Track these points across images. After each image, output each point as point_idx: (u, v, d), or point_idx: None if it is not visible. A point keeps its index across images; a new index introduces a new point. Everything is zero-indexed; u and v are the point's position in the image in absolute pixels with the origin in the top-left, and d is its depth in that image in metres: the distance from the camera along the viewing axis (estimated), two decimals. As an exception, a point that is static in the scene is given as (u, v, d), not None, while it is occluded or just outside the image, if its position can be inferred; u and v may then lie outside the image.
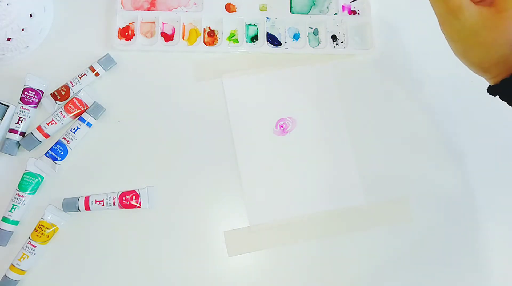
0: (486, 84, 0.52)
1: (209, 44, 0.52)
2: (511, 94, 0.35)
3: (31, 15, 0.48)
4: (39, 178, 0.47)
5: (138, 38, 0.51)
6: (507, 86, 0.35)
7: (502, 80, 0.35)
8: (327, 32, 0.52)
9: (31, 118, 0.48)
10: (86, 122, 0.48)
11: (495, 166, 0.50)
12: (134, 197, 0.46)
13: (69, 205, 0.46)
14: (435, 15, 0.36)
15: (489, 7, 0.34)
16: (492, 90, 0.36)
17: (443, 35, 0.36)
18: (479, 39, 0.34)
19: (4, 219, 0.46)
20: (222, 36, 0.52)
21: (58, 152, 0.47)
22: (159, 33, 0.51)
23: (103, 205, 0.46)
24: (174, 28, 0.52)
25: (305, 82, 0.51)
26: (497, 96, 0.36)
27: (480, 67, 0.36)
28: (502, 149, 0.50)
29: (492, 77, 0.36)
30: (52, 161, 0.47)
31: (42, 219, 0.46)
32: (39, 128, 0.48)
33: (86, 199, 0.46)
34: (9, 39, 0.47)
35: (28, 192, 0.46)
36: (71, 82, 0.49)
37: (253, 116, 0.50)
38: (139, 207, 0.46)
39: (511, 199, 0.49)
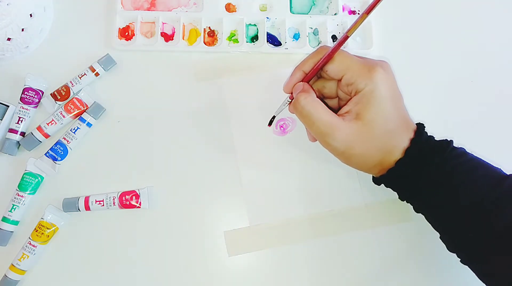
0: (486, 84, 0.52)
1: (209, 44, 0.52)
2: (390, 185, 0.41)
3: (31, 15, 0.48)
4: (39, 178, 0.47)
5: (138, 38, 0.51)
6: (385, 180, 0.40)
7: (380, 175, 0.41)
8: (327, 32, 0.52)
9: (31, 118, 0.48)
10: (86, 122, 0.48)
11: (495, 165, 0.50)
12: (134, 197, 0.46)
13: (69, 205, 0.46)
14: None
15: (356, 120, 0.38)
16: (375, 180, 0.42)
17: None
18: (355, 151, 0.39)
19: (4, 219, 0.46)
20: (222, 36, 0.52)
21: (58, 152, 0.47)
22: (159, 33, 0.51)
23: (103, 205, 0.46)
24: (174, 28, 0.52)
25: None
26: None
27: (363, 170, 0.42)
28: (502, 149, 0.50)
29: (374, 174, 0.42)
30: (52, 161, 0.47)
31: (42, 219, 0.46)
32: (39, 128, 0.48)
33: (86, 199, 0.46)
34: (9, 39, 0.47)
35: (28, 192, 0.46)
36: (71, 82, 0.49)
37: (253, 116, 0.50)
38: (139, 207, 0.46)
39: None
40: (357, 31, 0.52)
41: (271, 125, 0.46)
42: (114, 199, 0.46)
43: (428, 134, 0.40)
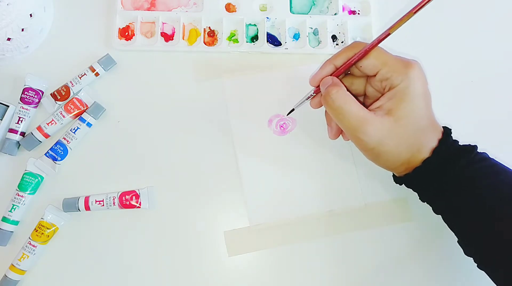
0: (486, 84, 0.52)
1: (209, 44, 0.52)
2: (412, 185, 0.41)
3: (31, 15, 0.48)
4: (39, 178, 0.47)
5: (138, 38, 0.51)
6: (409, 179, 0.40)
7: (405, 174, 0.40)
8: (327, 32, 0.52)
9: (31, 118, 0.48)
10: (86, 122, 0.48)
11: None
12: (134, 197, 0.46)
13: (69, 205, 0.46)
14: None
15: (388, 116, 0.38)
16: (397, 180, 0.42)
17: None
18: (384, 148, 0.38)
19: (4, 219, 0.46)
20: (222, 36, 0.52)
21: (58, 152, 0.47)
22: (159, 33, 0.51)
23: (103, 205, 0.46)
24: (174, 28, 0.52)
25: (305, 82, 0.51)
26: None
27: (388, 168, 0.41)
28: (502, 148, 0.50)
29: (398, 173, 0.41)
30: (52, 161, 0.47)
31: (42, 219, 0.46)
32: (39, 128, 0.48)
33: (86, 199, 0.46)
34: (9, 39, 0.47)
35: (28, 192, 0.46)
36: (71, 82, 0.49)
37: (253, 116, 0.50)
38: (139, 207, 0.46)
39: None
40: (357, 31, 0.53)
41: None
42: (114, 199, 0.46)
43: (453, 138, 0.40)
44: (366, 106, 0.41)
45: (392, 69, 0.38)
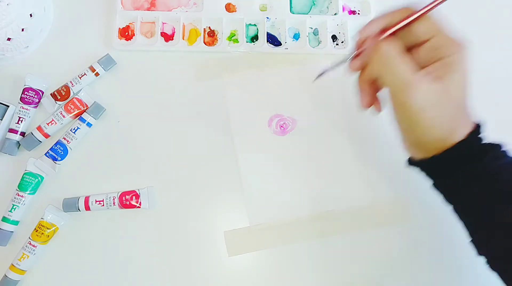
0: (486, 84, 0.52)
1: (209, 44, 0.52)
2: (430, 169, 0.38)
3: (31, 15, 0.48)
4: (39, 178, 0.47)
5: (138, 38, 0.51)
6: (433, 162, 0.37)
7: (433, 156, 0.37)
8: (327, 32, 0.52)
9: (31, 118, 0.48)
10: (86, 122, 0.48)
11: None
12: (134, 197, 0.46)
13: (69, 205, 0.46)
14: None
15: (437, 83, 0.35)
16: (413, 162, 0.39)
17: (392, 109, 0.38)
18: (426, 115, 0.36)
19: (4, 219, 0.46)
20: (222, 36, 0.52)
21: (58, 152, 0.47)
22: (159, 33, 0.51)
23: (103, 205, 0.46)
24: (174, 28, 0.52)
25: (305, 82, 0.51)
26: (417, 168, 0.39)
27: (420, 143, 0.38)
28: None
29: (425, 152, 0.38)
30: (52, 161, 0.47)
31: (42, 219, 0.46)
32: (39, 128, 0.48)
33: (86, 199, 0.46)
34: (9, 39, 0.47)
35: (28, 192, 0.46)
36: (71, 82, 0.49)
37: (253, 116, 0.50)
38: (139, 207, 0.46)
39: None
40: (356, 31, 0.53)
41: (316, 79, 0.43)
42: (114, 199, 0.46)
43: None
44: None
45: (446, 39, 0.36)
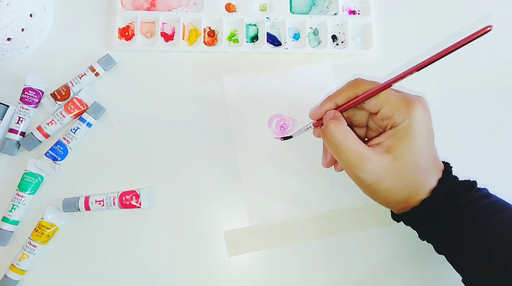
0: (486, 84, 0.52)
1: (209, 44, 0.52)
2: (410, 223, 0.41)
3: (31, 15, 0.48)
4: (39, 178, 0.47)
5: (138, 38, 0.51)
6: (406, 217, 0.40)
7: (403, 212, 0.40)
8: (327, 32, 0.52)
9: (31, 118, 0.48)
10: (86, 122, 0.48)
11: (496, 164, 0.50)
12: (134, 197, 0.46)
13: (69, 205, 0.46)
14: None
15: (387, 154, 0.37)
16: (395, 217, 0.42)
17: None
18: (381, 186, 0.38)
19: (4, 219, 0.46)
20: (222, 36, 0.52)
21: (58, 152, 0.47)
22: (159, 33, 0.51)
23: (103, 205, 0.46)
24: (174, 28, 0.52)
25: (305, 82, 0.51)
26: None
27: (385, 206, 0.41)
28: (502, 148, 0.50)
29: (396, 210, 0.41)
30: (52, 161, 0.47)
31: (42, 219, 0.46)
32: (39, 128, 0.48)
33: (86, 199, 0.46)
34: (9, 39, 0.47)
35: (28, 192, 0.46)
36: (71, 82, 0.49)
37: (253, 116, 0.50)
38: (139, 207, 0.46)
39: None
40: (357, 31, 0.53)
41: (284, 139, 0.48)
42: (114, 199, 0.46)
43: (453, 174, 0.39)
44: (368, 138, 0.40)
45: (394, 108, 0.37)
